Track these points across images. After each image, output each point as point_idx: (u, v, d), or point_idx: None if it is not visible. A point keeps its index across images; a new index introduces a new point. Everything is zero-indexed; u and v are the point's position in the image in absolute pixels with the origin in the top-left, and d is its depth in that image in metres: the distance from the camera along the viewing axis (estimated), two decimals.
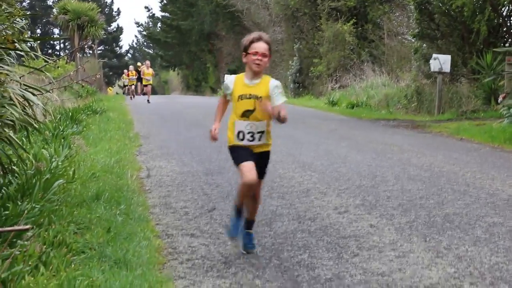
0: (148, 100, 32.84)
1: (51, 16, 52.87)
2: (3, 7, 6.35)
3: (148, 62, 36.68)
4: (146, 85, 35.56)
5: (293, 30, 40.62)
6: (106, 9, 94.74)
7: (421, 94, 23.08)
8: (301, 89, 38.45)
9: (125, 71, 47.25)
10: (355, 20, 33.95)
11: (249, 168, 5.66)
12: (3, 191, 6.35)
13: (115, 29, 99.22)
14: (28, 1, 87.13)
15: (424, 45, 23.82)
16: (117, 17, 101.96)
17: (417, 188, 8.78)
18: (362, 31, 34.20)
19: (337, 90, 32.11)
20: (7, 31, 6.43)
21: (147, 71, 35.17)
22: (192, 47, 63.35)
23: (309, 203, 7.84)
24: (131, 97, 39.08)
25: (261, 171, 5.91)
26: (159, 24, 78.48)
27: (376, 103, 25.36)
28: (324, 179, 9.52)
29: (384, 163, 10.95)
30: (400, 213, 7.28)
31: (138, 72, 40.00)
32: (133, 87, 41.37)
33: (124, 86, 48.34)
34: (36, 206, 6.17)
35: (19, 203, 6.07)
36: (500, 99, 17.90)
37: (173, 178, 9.79)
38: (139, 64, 43.16)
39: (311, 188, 8.83)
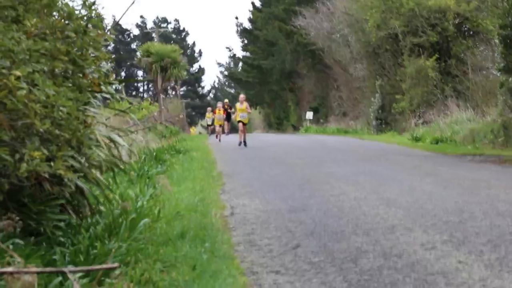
0: (244, 142, 27.58)
1: (135, 58, 54.34)
2: (89, 51, 6.52)
3: (242, 96, 30.20)
4: (241, 122, 28.29)
5: (375, 67, 40.55)
6: (188, 50, 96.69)
7: (508, 128, 22.60)
8: (383, 126, 38.26)
9: (209, 109, 46.10)
10: (438, 56, 33.64)
11: None
12: (91, 230, 6.47)
13: (197, 69, 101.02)
14: (113, 45, 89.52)
15: (511, 79, 23.35)
16: (199, 58, 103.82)
17: (506, 224, 8.55)
18: (445, 66, 33.86)
19: (420, 126, 31.78)
20: (94, 75, 6.60)
21: (241, 106, 28.67)
22: (273, 86, 63.80)
23: (394, 240, 7.71)
24: (218, 139, 34.63)
25: None
26: (240, 64, 79.56)
27: (462, 139, 24.96)
28: (410, 215, 9.37)
29: (471, 199, 10.72)
30: (490, 249, 7.09)
31: (226, 110, 37.33)
32: (219, 127, 36.48)
33: (208, 125, 45.88)
34: (123, 245, 6.25)
35: (107, 242, 6.17)
36: None
37: (256, 215, 9.79)
38: (226, 100, 39.84)
39: (396, 224, 8.70)
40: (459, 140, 24.95)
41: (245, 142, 27.58)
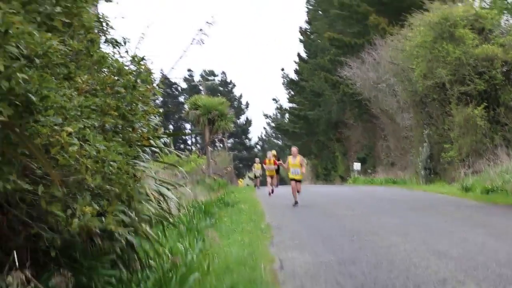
0: (296, 201, 22.83)
1: (183, 111, 54.80)
2: (139, 106, 6.61)
3: (295, 149, 24.46)
4: (293, 180, 23.19)
5: (422, 116, 40.27)
6: (235, 102, 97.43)
7: None
8: (432, 176, 37.81)
9: (256, 159, 44.63)
10: (486, 104, 33.32)
11: None
12: (141, 285, 6.49)
13: (244, 121, 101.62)
14: (161, 99, 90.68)
15: None
16: (245, 110, 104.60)
17: None
18: (494, 115, 33.49)
19: (470, 176, 31.35)
20: (143, 129, 6.68)
21: (293, 161, 23.63)
22: (320, 136, 63.86)
23: None
24: (269, 191, 30.83)
25: None
26: (286, 115, 79.91)
27: None
28: (461, 267, 9.22)
29: None
30: None
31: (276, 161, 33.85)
32: (270, 179, 32.38)
33: (255, 177, 43.72)
34: None
35: None
36: None
37: (306, 269, 9.72)
38: (274, 152, 36.38)
39: (448, 277, 8.56)
40: (510, 190, 24.51)
41: (296, 201, 22.93)
